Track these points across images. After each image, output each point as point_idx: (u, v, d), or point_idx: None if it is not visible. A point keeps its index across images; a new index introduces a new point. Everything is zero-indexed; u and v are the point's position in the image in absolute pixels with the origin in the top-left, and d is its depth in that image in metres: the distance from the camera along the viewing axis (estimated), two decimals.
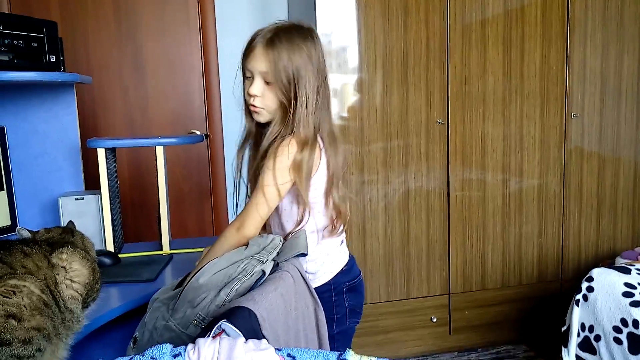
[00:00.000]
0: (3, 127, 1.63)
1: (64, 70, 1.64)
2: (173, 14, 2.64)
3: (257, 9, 2.77)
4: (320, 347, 1.26)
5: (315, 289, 1.25)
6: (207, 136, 2.72)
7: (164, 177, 1.68)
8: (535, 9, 2.47)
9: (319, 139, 1.29)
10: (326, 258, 1.36)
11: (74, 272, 1.06)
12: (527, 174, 2.57)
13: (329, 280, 1.36)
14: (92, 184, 1.85)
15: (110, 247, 1.62)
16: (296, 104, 1.25)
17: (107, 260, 1.51)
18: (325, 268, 1.36)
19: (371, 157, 2.38)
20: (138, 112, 2.66)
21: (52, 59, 1.58)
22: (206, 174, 2.77)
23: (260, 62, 1.26)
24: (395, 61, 2.36)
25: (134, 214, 2.67)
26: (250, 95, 1.29)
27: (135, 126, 2.65)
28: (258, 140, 1.36)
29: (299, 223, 1.28)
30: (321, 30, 2.27)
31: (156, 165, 1.68)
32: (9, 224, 1.60)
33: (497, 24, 2.44)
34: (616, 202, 2.72)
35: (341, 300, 1.37)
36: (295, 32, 1.28)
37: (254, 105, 1.30)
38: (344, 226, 1.38)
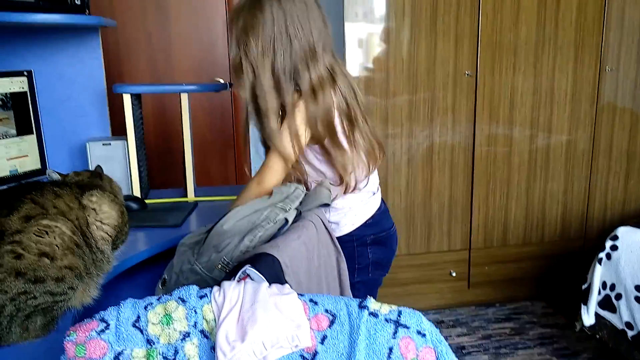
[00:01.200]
0: (31, 70, 1.63)
1: (88, 14, 1.62)
2: None
3: None
4: (342, 294, 1.28)
5: (338, 238, 1.28)
6: (231, 84, 2.70)
7: (189, 124, 1.68)
8: None
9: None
10: (349, 210, 1.38)
11: (104, 214, 1.09)
12: (555, 130, 2.51)
13: (352, 231, 1.38)
14: (118, 130, 1.86)
15: (136, 192, 1.65)
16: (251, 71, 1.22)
17: (134, 205, 1.54)
18: (347, 220, 1.38)
19: (396, 110, 2.35)
20: (161, 58, 2.64)
21: (77, 1, 1.56)
22: (229, 122, 2.77)
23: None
24: (424, 9, 2.27)
25: (159, 161, 2.70)
26: None
27: (159, 72, 2.64)
28: None
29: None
30: None
31: (181, 112, 1.68)
32: (39, 167, 1.63)
33: None
34: None
35: (364, 252, 1.39)
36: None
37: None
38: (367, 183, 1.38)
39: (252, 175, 1.30)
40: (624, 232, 1.86)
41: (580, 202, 2.62)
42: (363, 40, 2.29)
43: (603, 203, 2.65)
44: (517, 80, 2.41)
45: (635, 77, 2.53)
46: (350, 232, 1.38)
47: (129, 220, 1.17)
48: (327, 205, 1.26)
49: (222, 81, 2.69)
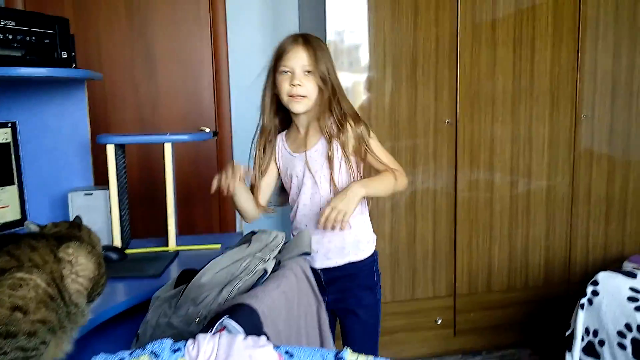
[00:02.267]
0: (15, 122, 1.65)
1: (75, 67, 1.66)
2: (184, 10, 2.65)
3: (267, 7, 2.78)
4: (322, 345, 1.27)
5: (366, 259, 1.56)
6: (215, 133, 2.74)
7: (172, 173, 1.70)
8: (547, 8, 2.45)
9: None
10: (371, 227, 1.62)
11: (79, 267, 1.08)
12: (535, 176, 2.56)
13: (375, 249, 1.61)
14: (101, 180, 1.87)
15: (117, 242, 1.64)
16: (335, 89, 1.51)
17: (113, 256, 1.53)
18: (373, 237, 1.62)
19: None
20: (148, 109, 2.68)
21: (64, 55, 1.60)
22: (214, 171, 2.78)
23: (300, 57, 1.47)
24: (405, 60, 2.35)
25: (142, 210, 2.70)
26: (293, 86, 1.47)
27: (146, 122, 2.68)
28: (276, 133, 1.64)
29: None
30: (332, 28, 2.27)
31: (164, 161, 1.69)
32: (19, 217, 1.62)
33: (508, 23, 2.43)
34: (625, 205, 2.69)
35: (378, 269, 1.62)
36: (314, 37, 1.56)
37: (296, 95, 1.48)
38: None
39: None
40: (604, 277, 1.87)
41: (562, 247, 2.64)
42: (349, 89, 2.35)
43: (585, 248, 2.67)
44: (496, 128, 2.48)
45: (610, 123, 2.61)
46: (374, 250, 1.61)
47: (107, 271, 1.16)
48: (307, 253, 1.27)
49: (207, 130, 2.72)
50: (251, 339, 0.81)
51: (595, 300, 1.85)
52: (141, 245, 1.73)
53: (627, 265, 2.40)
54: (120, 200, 1.66)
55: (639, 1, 2.54)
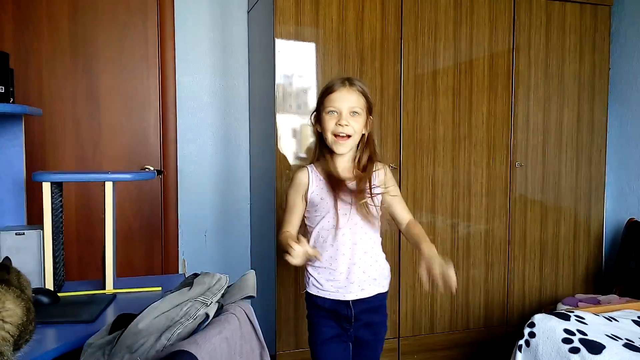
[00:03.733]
0: None
1: (13, 102, 1.60)
2: (132, 48, 2.64)
3: (217, 48, 2.81)
4: None
5: (387, 292, 1.69)
6: (160, 172, 2.69)
7: (112, 213, 1.64)
8: (483, 62, 2.62)
9: None
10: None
11: (6, 312, 1.02)
12: (474, 220, 2.66)
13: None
14: (35, 219, 1.78)
15: (49, 285, 1.56)
16: (372, 133, 1.65)
17: (44, 299, 1.44)
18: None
19: None
20: (90, 147, 2.60)
21: (1, 90, 1.55)
22: (158, 211, 2.72)
23: (347, 98, 1.57)
24: None
25: (80, 251, 2.58)
26: (340, 125, 1.56)
27: (87, 161, 2.59)
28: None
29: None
30: (280, 72, 2.32)
31: (104, 201, 1.64)
32: None
33: (448, 75, 2.57)
34: (557, 249, 2.83)
35: None
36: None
37: (340, 135, 1.57)
38: None
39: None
40: (540, 319, 1.94)
41: (500, 289, 2.73)
42: (297, 131, 2.38)
43: (521, 290, 2.77)
44: (438, 173, 2.57)
45: (542, 172, 2.78)
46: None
47: (36, 316, 1.10)
48: (252, 297, 1.25)
49: (151, 169, 2.67)
50: None
51: (532, 341, 1.91)
52: (76, 288, 1.65)
53: (561, 307, 2.50)
54: (54, 240, 1.58)
55: (565, 62, 2.77)
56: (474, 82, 2.62)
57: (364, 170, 1.61)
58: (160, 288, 1.64)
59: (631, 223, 2.81)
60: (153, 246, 2.71)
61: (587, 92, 2.83)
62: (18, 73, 1.74)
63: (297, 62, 2.35)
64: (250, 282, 1.25)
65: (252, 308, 1.26)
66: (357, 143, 1.62)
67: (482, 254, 2.68)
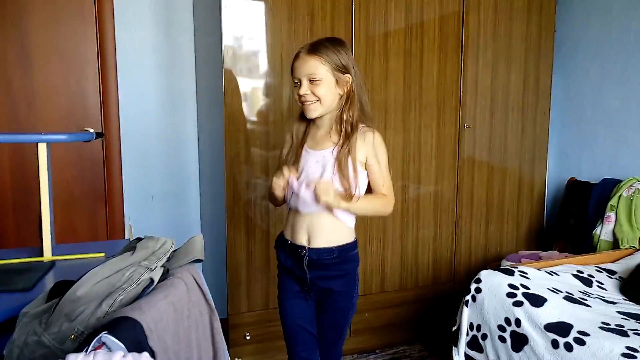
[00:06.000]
0: None
1: None
2: (65, 2, 2.45)
3: (159, 3, 2.66)
4: (215, 356, 1.21)
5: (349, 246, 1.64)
6: (100, 134, 2.55)
7: (47, 176, 1.54)
8: (434, 24, 2.60)
9: None
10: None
11: None
12: (424, 181, 2.69)
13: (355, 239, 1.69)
14: None
15: None
16: (349, 94, 1.58)
17: None
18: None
19: (276, 161, 2.37)
20: (23, 107, 2.43)
21: None
22: (100, 174, 2.59)
23: (305, 66, 1.55)
24: None
25: (16, 219, 2.44)
26: (300, 95, 1.56)
27: (20, 122, 2.42)
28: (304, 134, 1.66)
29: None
30: (228, 31, 2.22)
31: (38, 163, 1.53)
32: None
33: (399, 36, 2.54)
34: (503, 208, 2.93)
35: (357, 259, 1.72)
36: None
37: (306, 102, 1.56)
38: None
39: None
40: (486, 275, 2.01)
41: (448, 248, 2.81)
42: (247, 94, 2.31)
43: (468, 248, 2.86)
44: (389, 135, 2.57)
45: (489, 133, 2.83)
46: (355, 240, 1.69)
47: None
48: (200, 260, 1.21)
49: (91, 131, 2.53)
50: (131, 355, 0.74)
51: (478, 297, 1.98)
52: (10, 256, 1.55)
53: (505, 263, 2.60)
54: None
55: (514, 23, 2.79)
56: (424, 43, 2.60)
57: (345, 135, 1.56)
58: (103, 254, 1.57)
59: (572, 182, 2.94)
60: (97, 212, 2.60)
61: (534, 54, 2.88)
62: None
63: (245, 22, 2.26)
64: (198, 245, 1.21)
65: (200, 272, 1.23)
66: (331, 106, 1.58)
67: (431, 214, 2.73)
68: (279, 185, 1.58)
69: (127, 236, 2.66)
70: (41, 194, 1.54)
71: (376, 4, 2.47)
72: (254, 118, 2.34)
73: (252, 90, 2.32)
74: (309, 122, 1.65)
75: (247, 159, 2.33)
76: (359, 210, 1.61)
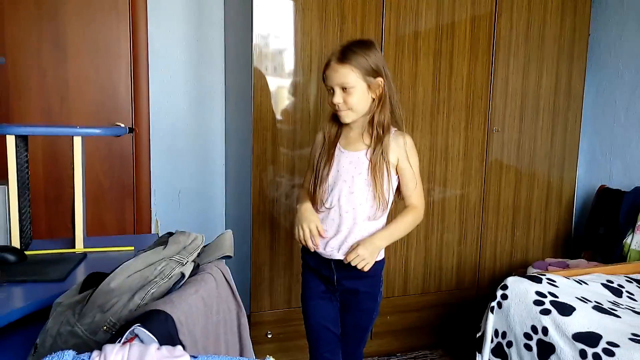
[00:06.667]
0: None
1: None
2: None
3: (192, 2, 2.69)
4: (242, 351, 1.22)
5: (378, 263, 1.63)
6: (132, 130, 2.59)
7: (81, 169, 1.57)
8: (465, 25, 2.57)
9: None
10: None
11: None
12: (450, 184, 2.67)
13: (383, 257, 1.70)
14: (0, 174, 1.69)
15: (15, 242, 1.49)
16: (382, 98, 1.57)
17: (10, 257, 1.38)
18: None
19: (302, 161, 2.37)
20: (57, 99, 2.48)
21: None
22: (129, 169, 2.63)
23: (336, 75, 1.54)
24: None
25: (48, 210, 2.49)
26: (333, 103, 1.57)
27: (53, 114, 2.47)
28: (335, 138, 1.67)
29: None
30: (257, 31, 2.23)
31: (73, 156, 1.56)
32: None
33: (429, 37, 2.52)
34: (530, 214, 2.88)
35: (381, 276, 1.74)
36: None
37: (340, 110, 1.57)
38: None
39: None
40: (513, 282, 1.98)
41: (472, 252, 2.77)
42: (273, 93, 2.31)
43: (493, 253, 2.82)
44: (416, 137, 2.55)
45: (518, 137, 2.79)
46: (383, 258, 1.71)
47: (2, 274, 1.05)
48: (229, 257, 1.22)
49: (122, 126, 2.57)
50: (165, 348, 0.75)
51: (504, 303, 1.95)
52: (44, 247, 1.59)
53: (532, 271, 2.56)
54: (20, 197, 1.51)
55: (547, 25, 2.74)
56: (455, 44, 2.57)
57: (377, 137, 1.57)
58: (132, 248, 1.60)
59: (602, 190, 2.87)
60: (125, 206, 2.64)
61: (566, 57, 2.82)
62: None
63: (275, 20, 2.26)
64: (227, 242, 1.22)
65: (228, 268, 1.24)
66: (364, 110, 1.58)
67: (456, 218, 2.70)
68: (303, 238, 1.60)
69: (154, 231, 2.69)
70: (75, 187, 1.57)
71: (407, 3, 2.45)
72: (281, 117, 2.34)
73: (280, 88, 2.33)
74: (342, 123, 1.65)
75: (273, 158, 2.33)
76: (396, 238, 1.64)
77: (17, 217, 1.50)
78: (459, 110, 2.62)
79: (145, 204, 2.67)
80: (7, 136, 1.48)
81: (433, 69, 2.54)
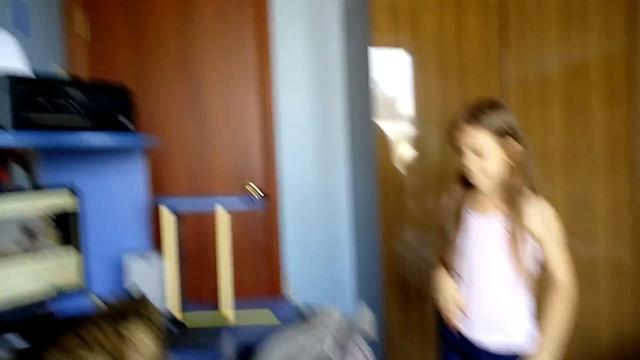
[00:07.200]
0: (76, 185, 1.69)
1: (135, 132, 1.70)
2: (234, 70, 2.73)
3: (313, 66, 2.83)
4: None
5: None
6: (264, 195, 2.74)
7: (226, 237, 1.68)
8: (597, 67, 2.38)
9: None
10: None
11: (141, 344, 1.07)
12: (595, 241, 2.42)
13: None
14: (157, 243, 1.88)
15: (172, 308, 1.62)
16: (521, 160, 1.48)
17: (174, 329, 1.51)
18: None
19: (431, 217, 2.32)
20: (200, 167, 2.72)
21: (126, 122, 1.64)
22: (262, 230, 2.78)
23: (466, 136, 1.48)
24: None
25: (191, 268, 2.70)
26: (465, 166, 1.50)
27: (198, 180, 2.72)
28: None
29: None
30: (378, 90, 2.27)
31: (218, 228, 1.68)
32: (79, 282, 1.63)
33: (556, 82, 2.37)
34: None
35: None
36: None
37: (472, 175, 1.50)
38: None
39: None
40: None
41: (631, 322, 2.43)
42: (399, 149, 2.32)
43: None
44: (549, 189, 2.35)
45: None
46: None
47: (167, 342, 1.14)
48: (369, 336, 1.21)
49: (253, 185, 2.74)
50: None
51: None
52: (194, 309, 1.71)
53: None
54: (177, 266, 1.65)
55: None
56: (586, 89, 2.40)
57: (513, 203, 1.46)
58: (278, 322, 1.64)
59: None
60: (258, 265, 2.77)
61: None
62: (136, 100, 1.85)
63: (393, 73, 2.30)
64: (368, 321, 1.22)
65: (370, 349, 1.23)
66: (499, 177, 1.49)
67: (606, 280, 2.44)
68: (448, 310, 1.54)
69: (286, 291, 2.78)
70: (221, 253, 1.68)
71: (529, 49, 2.35)
72: (405, 172, 2.33)
73: (402, 144, 2.33)
74: (470, 184, 1.57)
75: (401, 215, 2.32)
76: (561, 340, 1.45)
77: (175, 285, 1.63)
78: (596, 158, 2.41)
79: (277, 264, 2.78)
80: (164, 209, 1.64)
81: (562, 116, 2.39)
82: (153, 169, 2.63)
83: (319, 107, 2.85)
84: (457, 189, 1.61)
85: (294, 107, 2.83)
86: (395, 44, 2.29)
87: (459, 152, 1.52)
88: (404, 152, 2.34)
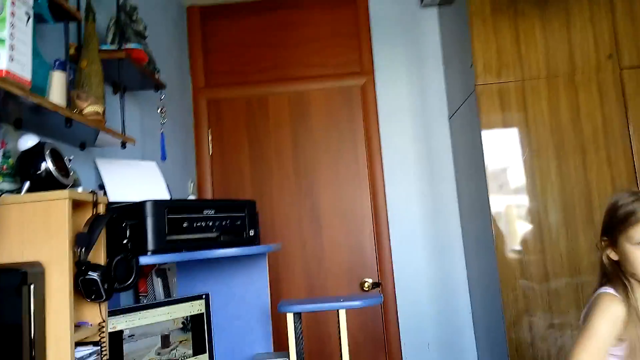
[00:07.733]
0: (208, 293, 1.84)
1: (258, 244, 1.84)
2: (345, 169, 2.87)
3: (422, 158, 2.88)
4: None
5: None
6: (377, 284, 2.75)
7: (346, 339, 1.70)
8: None
9: None
10: None
11: None
12: None
13: None
14: (279, 344, 1.95)
15: None
16: None
17: None
18: None
19: (559, 305, 2.16)
20: (315, 264, 2.82)
21: (252, 233, 1.79)
22: (380, 323, 2.76)
23: None
24: (579, 204, 2.21)
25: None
26: None
27: (313, 278, 2.80)
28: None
29: None
30: (490, 170, 2.26)
31: (339, 328, 1.72)
32: None
33: None
34: None
35: None
36: None
37: None
38: None
39: None
40: None
41: None
42: (518, 236, 2.24)
43: None
44: None
45: None
46: None
47: None
48: None
49: (370, 281, 2.76)
50: None
51: None
52: None
53: None
54: None
55: None
56: None
57: None
58: None
59: None
60: (377, 357, 2.73)
61: None
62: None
63: (506, 159, 2.27)
64: None
65: None
66: None
67: None
68: None
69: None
70: (342, 354, 1.70)
71: None
72: (527, 261, 2.22)
73: (522, 233, 2.24)
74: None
75: (526, 306, 2.18)
76: None
77: None
78: None
79: (396, 357, 2.72)
80: (287, 313, 1.71)
81: None
82: (271, 268, 2.78)
83: (429, 197, 2.86)
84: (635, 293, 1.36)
85: (403, 197, 2.87)
86: (505, 125, 2.29)
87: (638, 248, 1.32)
88: (522, 232, 2.25)
